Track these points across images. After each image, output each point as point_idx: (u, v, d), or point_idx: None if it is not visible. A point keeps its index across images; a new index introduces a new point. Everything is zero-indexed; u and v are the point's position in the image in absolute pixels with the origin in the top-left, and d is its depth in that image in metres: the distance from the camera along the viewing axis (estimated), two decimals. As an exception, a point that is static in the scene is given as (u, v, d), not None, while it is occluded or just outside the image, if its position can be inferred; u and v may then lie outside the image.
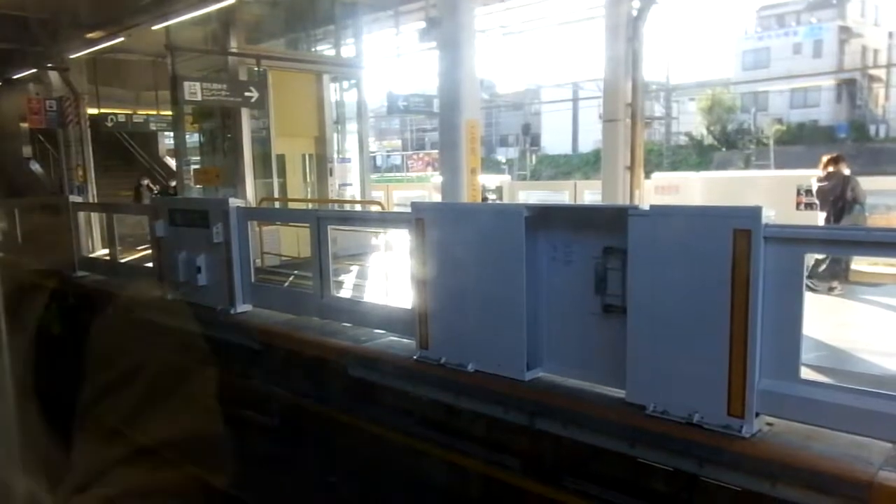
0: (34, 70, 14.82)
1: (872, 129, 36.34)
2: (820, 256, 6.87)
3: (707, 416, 3.52)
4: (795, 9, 42.12)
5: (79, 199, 11.52)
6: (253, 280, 6.81)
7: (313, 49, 13.67)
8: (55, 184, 15.13)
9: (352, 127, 13.81)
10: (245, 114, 11.29)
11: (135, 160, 19.35)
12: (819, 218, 7.25)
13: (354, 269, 10.02)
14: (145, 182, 13.76)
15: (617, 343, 3.91)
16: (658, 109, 36.45)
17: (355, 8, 12.65)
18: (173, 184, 13.22)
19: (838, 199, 7.05)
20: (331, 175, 12.72)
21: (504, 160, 44.69)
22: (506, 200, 13.26)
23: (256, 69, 11.13)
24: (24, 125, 15.94)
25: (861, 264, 7.67)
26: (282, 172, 12.25)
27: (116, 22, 12.08)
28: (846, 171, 7.24)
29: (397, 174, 50.66)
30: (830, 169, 7.18)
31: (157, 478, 5.96)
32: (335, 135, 13.28)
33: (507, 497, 4.52)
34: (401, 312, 5.43)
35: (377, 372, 5.12)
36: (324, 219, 5.99)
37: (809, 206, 8.14)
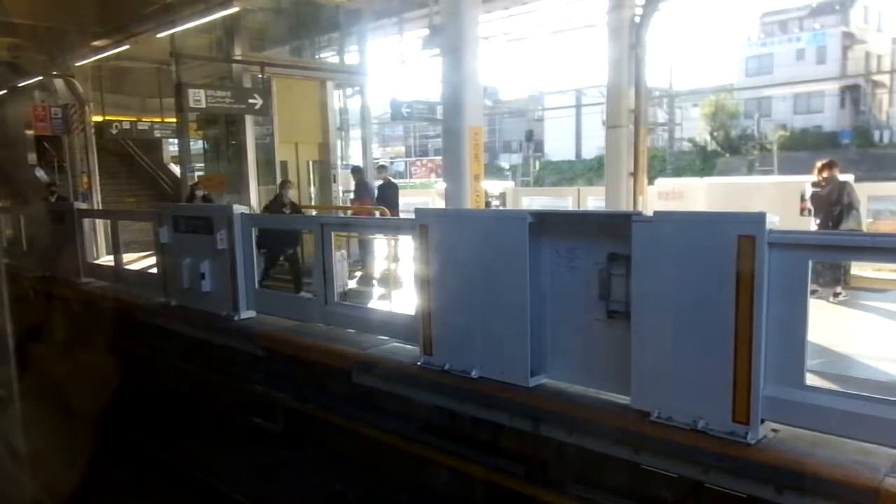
0: (40, 77, 14.91)
1: (876, 134, 36.32)
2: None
3: (712, 422, 3.51)
4: (798, 15, 42.18)
5: (84, 206, 11.55)
6: (257, 286, 6.82)
7: (317, 56, 13.72)
8: (61, 190, 15.16)
9: (355, 133, 13.86)
10: (249, 121, 11.34)
11: (139, 167, 19.43)
12: (812, 224, 7.20)
13: (357, 274, 10.03)
14: (201, 193, 10.96)
15: (621, 349, 3.90)
16: (661, 115, 36.44)
17: (359, 15, 12.71)
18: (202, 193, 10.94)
19: (835, 204, 7.02)
20: (334, 182, 12.76)
21: (507, 166, 44.72)
22: (509, 206, 13.26)
23: (260, 76, 11.18)
24: (30, 132, 16.03)
25: (866, 270, 7.64)
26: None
27: (122, 30, 12.16)
28: (840, 177, 7.21)
29: (401, 181, 50.70)
30: (825, 175, 7.14)
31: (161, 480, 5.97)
32: (339, 141, 13.32)
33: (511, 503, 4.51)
34: (404, 318, 5.44)
35: (381, 378, 5.12)
36: (327, 225, 6.01)
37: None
